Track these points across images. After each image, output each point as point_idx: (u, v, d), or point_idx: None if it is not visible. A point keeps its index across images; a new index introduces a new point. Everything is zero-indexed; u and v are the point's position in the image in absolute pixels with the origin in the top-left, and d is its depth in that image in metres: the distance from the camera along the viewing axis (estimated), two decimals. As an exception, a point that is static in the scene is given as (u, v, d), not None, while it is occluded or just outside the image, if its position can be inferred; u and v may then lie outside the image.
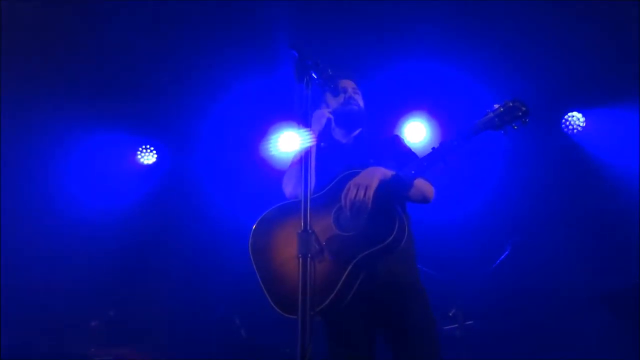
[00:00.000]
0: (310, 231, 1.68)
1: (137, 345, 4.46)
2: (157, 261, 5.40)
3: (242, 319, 4.70)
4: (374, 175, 2.19)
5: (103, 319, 4.42)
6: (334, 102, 2.61)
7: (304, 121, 1.93)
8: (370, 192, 2.13)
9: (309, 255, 1.64)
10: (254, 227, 2.37)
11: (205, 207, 5.57)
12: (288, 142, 5.45)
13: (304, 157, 1.80)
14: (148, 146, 5.89)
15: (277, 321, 4.19)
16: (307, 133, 1.89)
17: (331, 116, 2.52)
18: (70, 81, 5.00)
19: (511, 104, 2.15)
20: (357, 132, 2.68)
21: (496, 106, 2.18)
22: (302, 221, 1.69)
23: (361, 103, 2.65)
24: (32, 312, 4.66)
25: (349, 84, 2.64)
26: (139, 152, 5.87)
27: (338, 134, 2.68)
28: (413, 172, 2.20)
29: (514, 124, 2.15)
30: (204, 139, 5.75)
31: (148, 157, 5.90)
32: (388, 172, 2.24)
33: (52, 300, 4.82)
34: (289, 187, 2.48)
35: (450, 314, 4.04)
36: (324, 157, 2.51)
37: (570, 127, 5.55)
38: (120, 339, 4.48)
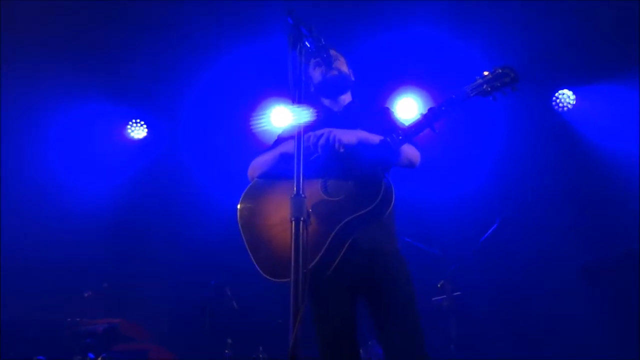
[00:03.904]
0: (302, 195, 1.70)
1: (130, 315, 4.50)
2: (149, 234, 5.43)
3: (234, 291, 4.75)
4: (354, 134, 2.29)
5: (97, 291, 4.45)
6: (317, 74, 2.63)
7: (296, 89, 1.93)
8: (340, 143, 2.24)
9: (302, 218, 1.66)
10: (243, 193, 2.40)
11: (197, 182, 5.58)
12: (280, 117, 5.45)
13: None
14: (138, 120, 5.85)
15: (268, 293, 4.28)
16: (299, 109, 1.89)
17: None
18: (53, 47, 4.84)
19: (500, 71, 2.16)
20: (345, 98, 2.69)
21: (485, 73, 2.19)
22: (295, 185, 1.70)
23: (344, 68, 2.64)
24: (25, 285, 4.67)
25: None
26: (128, 126, 5.83)
27: (327, 103, 2.69)
28: (400, 137, 2.23)
29: (503, 91, 2.16)
30: (196, 113, 5.71)
31: (138, 132, 5.87)
32: (375, 137, 2.28)
33: (46, 273, 4.85)
34: (259, 171, 2.48)
35: (439, 285, 4.12)
36: (314, 123, 2.52)
37: (560, 104, 5.59)
38: (114, 310, 4.52)
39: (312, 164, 2.28)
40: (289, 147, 2.39)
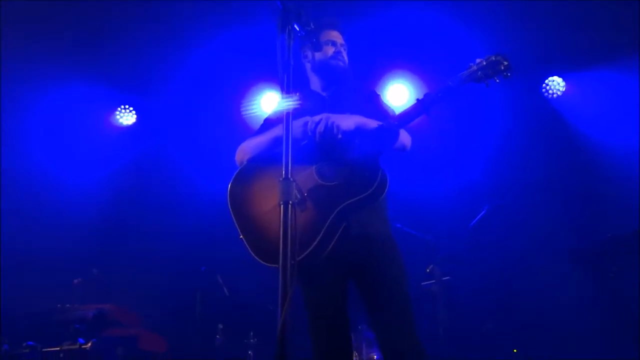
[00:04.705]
0: (291, 179, 1.69)
1: (120, 302, 4.50)
2: (140, 221, 5.42)
3: (224, 277, 4.76)
4: (352, 120, 2.28)
5: (86, 277, 4.44)
6: (319, 54, 2.58)
7: (285, 73, 1.92)
8: (339, 129, 2.23)
9: (290, 202, 1.66)
10: (233, 177, 2.38)
11: (186, 168, 5.56)
12: (271, 103, 5.42)
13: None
14: (127, 106, 5.79)
15: (259, 279, 4.30)
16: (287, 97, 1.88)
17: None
18: (37, 29, 4.69)
19: (493, 58, 2.21)
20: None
21: (479, 60, 2.23)
22: (284, 169, 1.70)
23: (346, 59, 2.63)
24: (14, 273, 4.65)
25: (337, 37, 2.61)
26: (117, 112, 5.78)
27: (316, 85, 2.66)
28: (396, 123, 2.25)
29: (495, 78, 2.21)
30: (186, 99, 5.66)
31: (127, 118, 5.81)
32: (372, 122, 2.29)
33: (35, 260, 4.83)
34: (249, 155, 2.45)
35: (428, 270, 4.17)
36: (301, 107, 2.50)
37: (550, 91, 5.61)
38: (104, 296, 4.52)
39: (307, 149, 2.28)
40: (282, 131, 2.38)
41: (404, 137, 2.42)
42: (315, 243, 2.09)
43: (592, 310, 4.70)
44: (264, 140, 2.44)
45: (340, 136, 2.24)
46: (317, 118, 2.29)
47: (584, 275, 4.67)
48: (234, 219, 2.31)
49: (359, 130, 2.28)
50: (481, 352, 4.50)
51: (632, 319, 4.03)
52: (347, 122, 2.28)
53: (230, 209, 2.33)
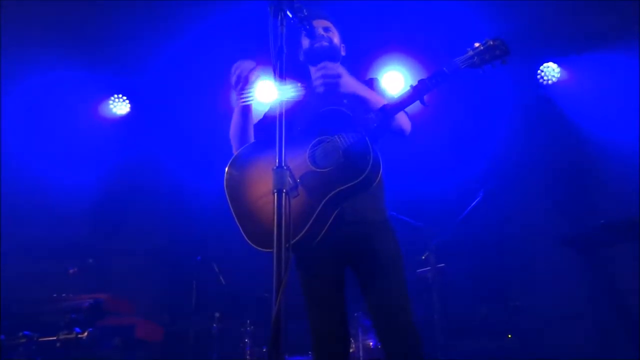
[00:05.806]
0: (285, 167, 1.69)
1: (117, 291, 4.51)
2: (136, 210, 5.42)
3: (221, 266, 4.77)
4: (355, 87, 2.34)
5: (82, 267, 4.44)
6: (306, 42, 2.61)
7: (277, 61, 1.91)
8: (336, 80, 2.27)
9: (284, 190, 1.67)
10: (229, 163, 2.39)
11: (182, 158, 5.54)
12: (265, 91, 5.37)
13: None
14: (120, 95, 5.75)
15: (255, 267, 4.31)
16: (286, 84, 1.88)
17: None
18: (26, 15, 4.61)
19: (491, 43, 2.16)
20: None
21: (476, 44, 2.18)
22: (277, 157, 1.70)
23: (335, 40, 2.63)
24: (9, 262, 4.64)
25: (320, 23, 2.61)
26: (110, 101, 5.73)
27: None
28: (387, 111, 2.24)
29: (493, 64, 2.16)
30: (181, 87, 5.62)
31: (121, 107, 5.77)
32: (370, 93, 2.33)
33: (31, 250, 4.82)
34: (234, 149, 2.51)
35: (423, 257, 4.19)
36: (299, 99, 2.51)
37: (545, 78, 5.60)
38: (100, 286, 4.53)
39: (300, 135, 2.28)
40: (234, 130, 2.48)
41: (404, 121, 2.41)
42: (305, 229, 2.11)
43: (585, 296, 4.74)
44: (233, 134, 2.51)
45: (322, 89, 2.24)
46: (331, 64, 2.32)
47: (578, 261, 4.71)
48: (230, 204, 2.32)
49: (354, 96, 2.31)
50: (475, 338, 4.55)
51: (625, 303, 4.07)
52: (351, 86, 2.31)
53: (226, 194, 2.34)
